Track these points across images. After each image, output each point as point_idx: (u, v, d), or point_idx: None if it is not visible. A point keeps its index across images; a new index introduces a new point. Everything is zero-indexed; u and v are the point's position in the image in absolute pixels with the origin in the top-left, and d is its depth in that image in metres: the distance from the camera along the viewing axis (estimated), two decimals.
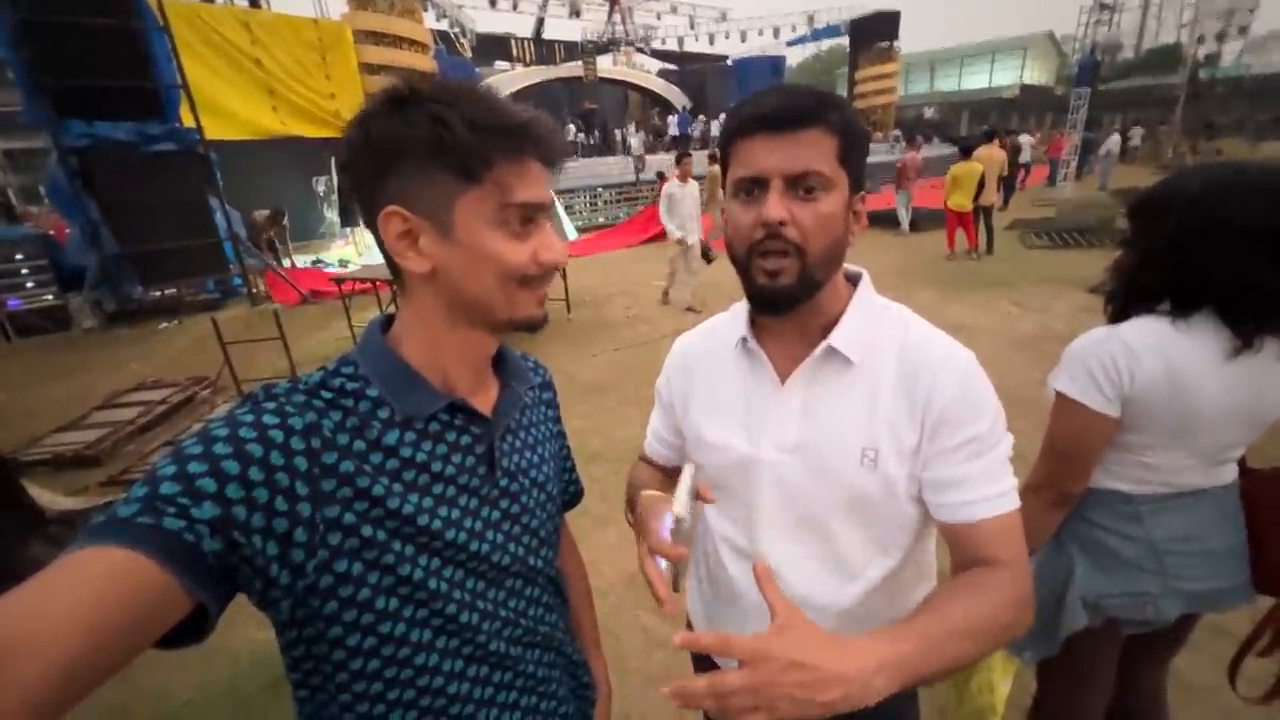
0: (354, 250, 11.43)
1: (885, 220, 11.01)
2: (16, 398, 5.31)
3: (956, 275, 7.64)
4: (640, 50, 30.59)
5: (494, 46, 25.72)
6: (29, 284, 7.33)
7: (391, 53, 12.15)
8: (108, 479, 3.69)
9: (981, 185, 8.19)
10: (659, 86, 28.54)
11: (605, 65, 27.06)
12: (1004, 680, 1.35)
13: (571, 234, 11.56)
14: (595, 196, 14.94)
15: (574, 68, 25.07)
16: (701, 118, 23.23)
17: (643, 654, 2.24)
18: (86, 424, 4.45)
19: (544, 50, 27.08)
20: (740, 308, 0.89)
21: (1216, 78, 28.49)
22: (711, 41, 32.57)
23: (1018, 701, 1.45)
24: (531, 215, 0.63)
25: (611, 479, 3.15)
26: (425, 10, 15.84)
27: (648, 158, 16.49)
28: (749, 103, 0.74)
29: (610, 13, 28.05)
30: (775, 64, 28.97)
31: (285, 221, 10.51)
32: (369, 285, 5.98)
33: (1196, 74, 23.56)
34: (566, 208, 12.97)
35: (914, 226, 10.73)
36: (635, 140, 16.70)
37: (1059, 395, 1.11)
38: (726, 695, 0.54)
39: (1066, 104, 14.99)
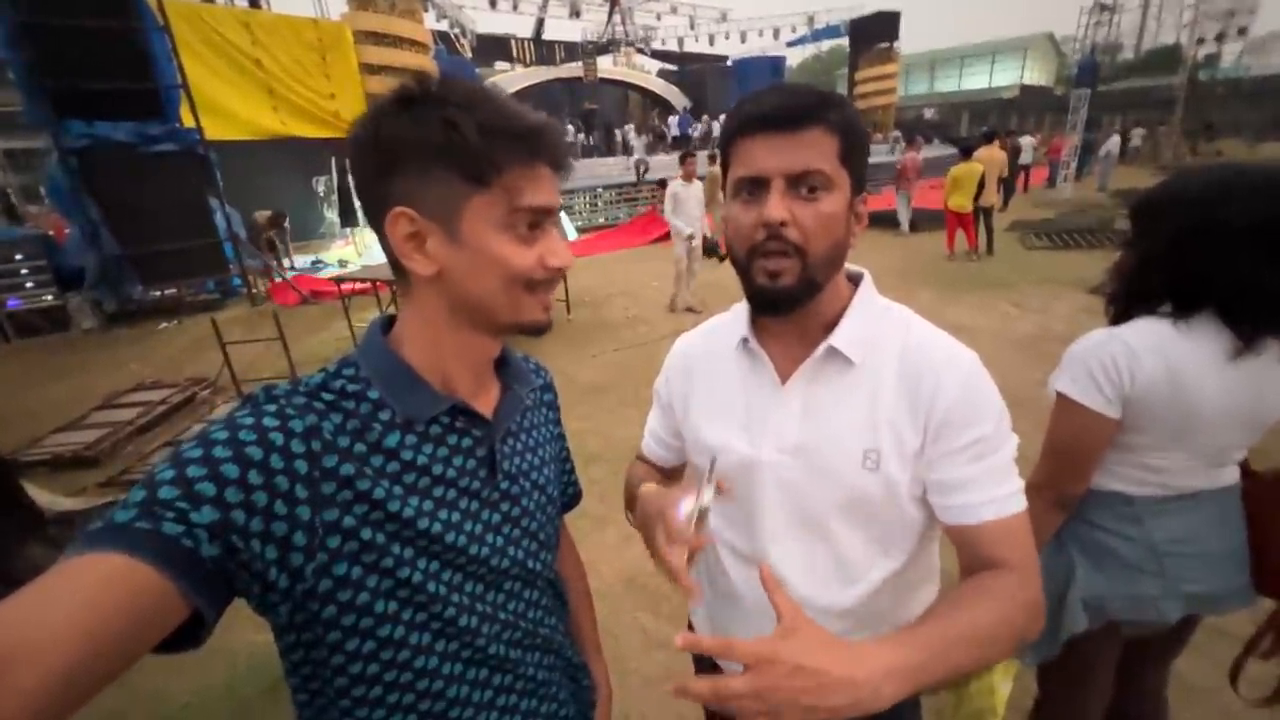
0: (354, 250, 11.43)
1: (885, 221, 11.01)
2: (16, 398, 5.31)
3: (956, 276, 7.64)
4: (640, 51, 30.61)
5: (494, 47, 25.76)
6: (28, 284, 7.33)
7: (391, 53, 12.16)
8: (107, 480, 3.69)
9: (981, 186, 8.19)
10: (659, 87, 28.57)
11: (605, 66, 27.08)
12: (1004, 682, 1.35)
13: (572, 234, 11.58)
14: (595, 197, 14.95)
15: (574, 68, 25.09)
16: (705, 117, 23.20)
17: (642, 655, 2.23)
18: (85, 424, 4.45)
19: (544, 51, 27.12)
20: (741, 308, 0.88)
21: (1216, 79, 28.53)
22: (711, 42, 32.60)
23: (1018, 703, 1.45)
24: (539, 220, 0.62)
25: (611, 480, 3.13)
26: (425, 10, 15.83)
27: (650, 159, 16.31)
28: (749, 102, 0.74)
29: (610, 13, 28.05)
30: (775, 64, 28.99)
31: (286, 223, 10.51)
32: (369, 286, 5.98)
33: (1196, 75, 23.56)
34: (566, 208, 12.98)
35: (914, 227, 10.73)
36: (638, 143, 16.51)
37: (1060, 396, 1.11)
38: (729, 699, 0.53)
39: (1066, 105, 14.99)
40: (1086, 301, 6.00)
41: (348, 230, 12.19)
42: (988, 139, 9.17)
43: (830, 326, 0.79)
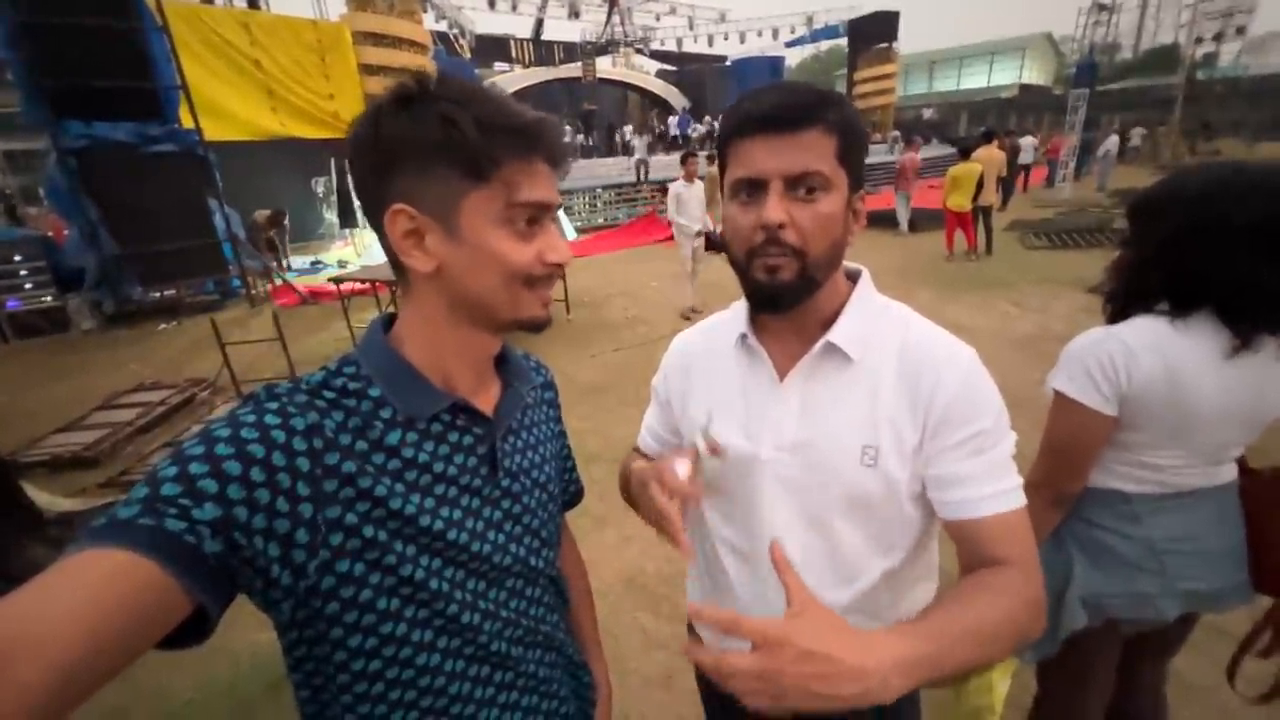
0: (353, 251, 11.43)
1: (884, 220, 11.02)
2: (15, 399, 5.31)
3: (955, 276, 7.64)
4: (639, 51, 30.64)
5: (493, 47, 25.77)
6: (28, 285, 7.33)
7: (390, 54, 12.18)
8: (106, 480, 3.69)
9: (980, 186, 8.19)
10: (658, 87, 28.60)
11: (604, 66, 27.11)
12: (1002, 680, 1.35)
13: (571, 234, 11.57)
14: (595, 197, 14.96)
15: (573, 69, 25.12)
16: (706, 118, 23.20)
17: (642, 654, 2.24)
18: (85, 425, 4.45)
19: (543, 51, 27.13)
20: (740, 305, 0.88)
21: (1214, 78, 28.55)
22: (710, 43, 32.65)
23: (1017, 701, 1.46)
24: (538, 216, 0.63)
25: (610, 480, 3.11)
26: (424, 11, 15.84)
27: (650, 159, 16.11)
28: (747, 101, 0.73)
29: (609, 14, 28.08)
30: (774, 64, 29.03)
31: (286, 222, 10.49)
32: (368, 286, 5.98)
33: (1194, 74, 23.59)
34: (565, 209, 12.98)
35: (913, 227, 10.73)
36: (639, 144, 16.22)
37: (1057, 394, 1.11)
38: (733, 676, 0.52)
39: (1065, 104, 15.02)
40: (1085, 301, 6.01)
41: (347, 231, 12.19)
42: (986, 139, 9.18)
43: (828, 324, 0.79)
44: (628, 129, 23.12)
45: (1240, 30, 20.03)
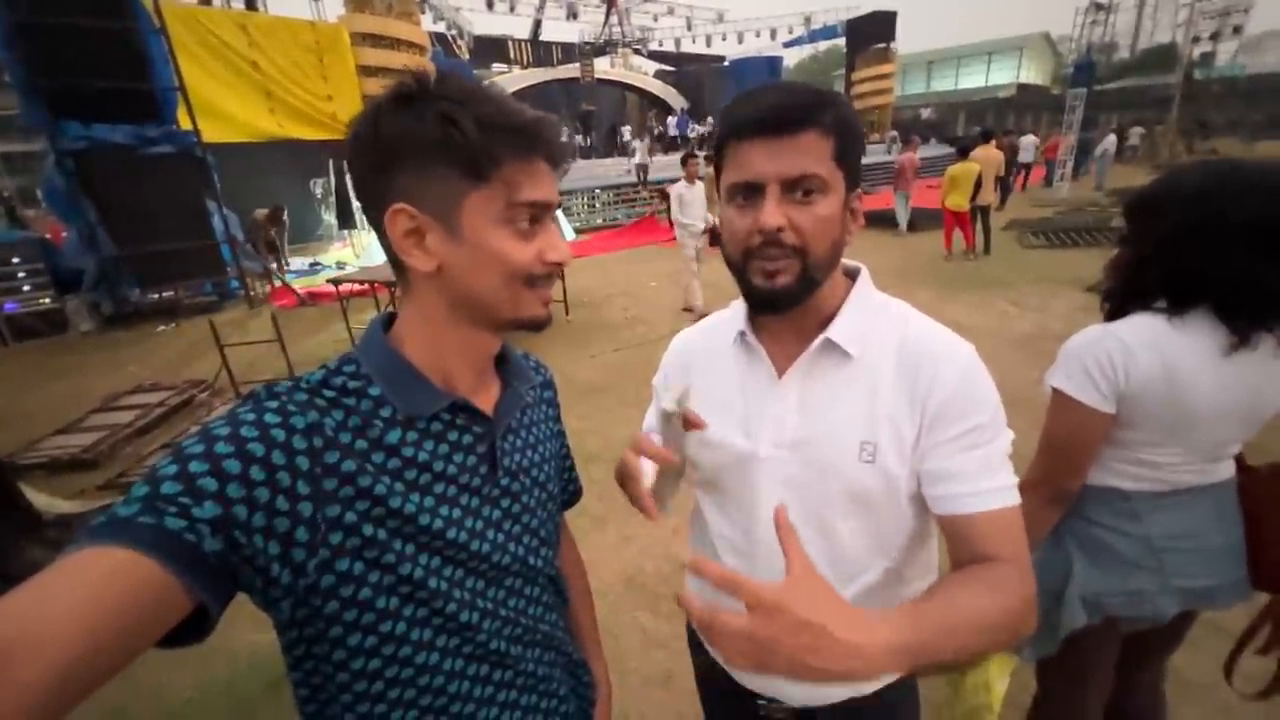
0: (352, 253, 11.42)
1: (883, 220, 11.02)
2: (13, 401, 5.30)
3: (954, 275, 7.65)
4: (637, 52, 30.66)
5: (491, 48, 25.77)
6: (26, 287, 7.32)
7: (388, 55, 12.17)
8: (105, 482, 3.69)
9: (978, 185, 8.20)
10: (656, 88, 28.61)
11: (603, 67, 27.14)
12: (1000, 679, 1.35)
13: (570, 235, 11.57)
14: (593, 198, 14.95)
15: (571, 69, 25.12)
16: (710, 120, 23.18)
17: (641, 654, 2.24)
18: (84, 427, 4.44)
19: (541, 52, 27.14)
20: (740, 304, 0.88)
21: (1211, 78, 28.59)
22: (709, 43, 32.69)
23: (1015, 699, 1.46)
24: (538, 215, 0.63)
25: (610, 480, 3.10)
26: (422, 12, 15.83)
27: (652, 160, 15.84)
28: (742, 104, 0.73)
29: (607, 14, 28.11)
30: (772, 64, 29.05)
31: (285, 217, 10.44)
32: (367, 288, 5.98)
33: (1192, 74, 23.62)
34: (564, 209, 12.98)
35: (912, 227, 10.74)
36: (639, 147, 15.92)
37: (1055, 392, 1.11)
38: (723, 636, 0.52)
39: (1063, 104, 15.04)
40: (1084, 300, 6.02)
41: (345, 232, 12.18)
42: (984, 138, 9.20)
43: (827, 321, 0.79)
44: (626, 129, 23.12)
45: (1237, 30, 20.04)
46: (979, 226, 8.56)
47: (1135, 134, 21.24)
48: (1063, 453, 1.14)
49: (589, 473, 1.09)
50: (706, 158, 9.55)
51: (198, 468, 0.50)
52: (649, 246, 11.34)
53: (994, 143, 9.24)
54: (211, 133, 8.47)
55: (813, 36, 32.38)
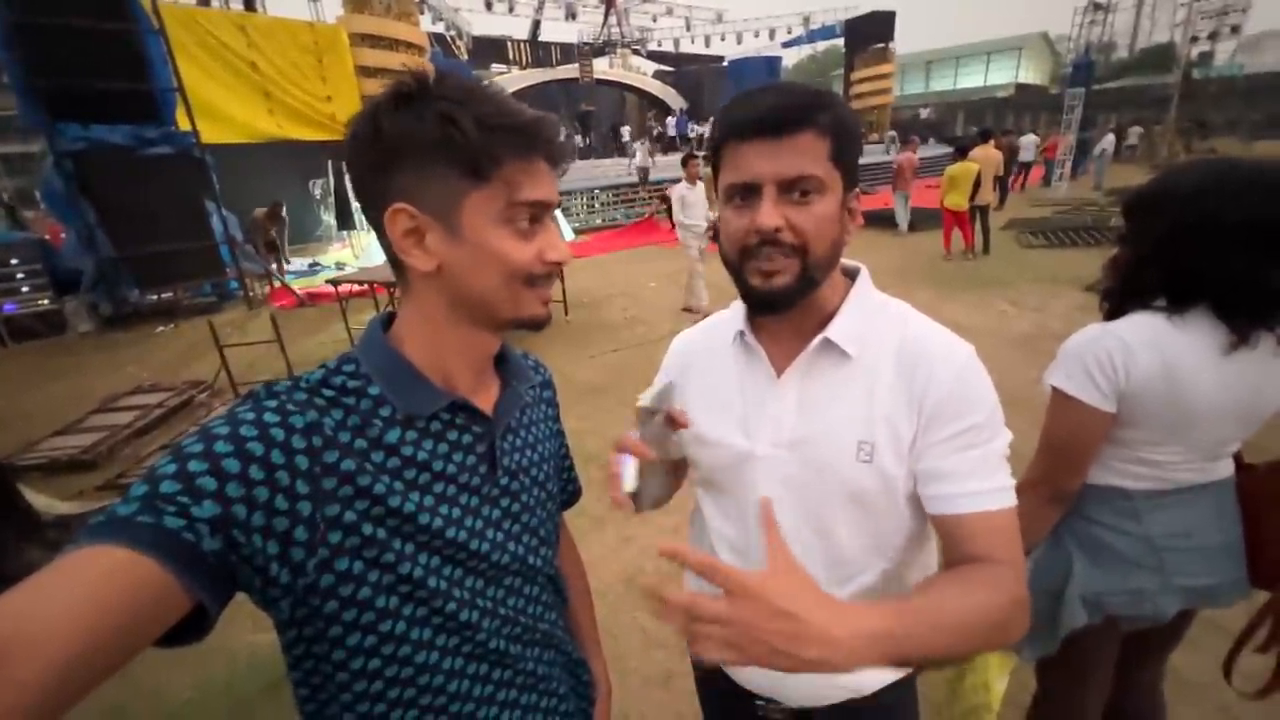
0: (351, 253, 11.42)
1: (883, 220, 11.03)
2: (12, 402, 5.29)
3: (953, 275, 7.66)
4: (636, 52, 30.66)
5: (490, 49, 25.78)
6: (24, 288, 7.31)
7: (387, 55, 12.15)
8: (104, 483, 3.68)
9: (977, 185, 8.21)
10: (655, 88, 28.63)
11: (601, 67, 27.16)
12: (999, 679, 1.35)
13: (569, 235, 11.57)
14: (592, 198, 14.95)
15: (570, 70, 25.14)
16: (712, 120, 23.17)
17: (641, 654, 2.24)
18: (83, 428, 4.44)
19: (540, 52, 27.16)
20: (740, 304, 0.88)
21: (1210, 77, 28.62)
22: (707, 43, 32.72)
23: (1014, 698, 1.46)
24: (538, 214, 0.63)
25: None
26: (421, 13, 15.82)
27: (654, 161, 15.59)
28: (739, 105, 0.73)
29: (606, 15, 28.12)
30: (771, 65, 29.05)
31: (284, 213, 10.41)
32: (366, 288, 5.97)
33: (1190, 73, 23.62)
34: (563, 210, 12.98)
35: (911, 227, 10.74)
36: (640, 149, 15.72)
37: (1055, 391, 1.11)
38: (701, 620, 0.53)
39: (1061, 104, 15.05)
40: (1083, 299, 6.02)
41: (344, 233, 12.17)
42: (983, 138, 9.21)
43: (826, 321, 0.79)
44: (626, 130, 23.12)
45: (1235, 29, 20.01)
46: (978, 226, 8.57)
47: (1134, 133, 21.27)
48: (1063, 452, 1.13)
49: (588, 473, 1.09)
50: (705, 158, 9.55)
51: (197, 467, 0.50)
52: (649, 247, 11.35)
53: (992, 142, 9.26)
54: (210, 133, 8.46)
55: (811, 37, 32.41)
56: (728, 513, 0.89)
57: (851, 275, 0.85)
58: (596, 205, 14.92)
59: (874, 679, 0.87)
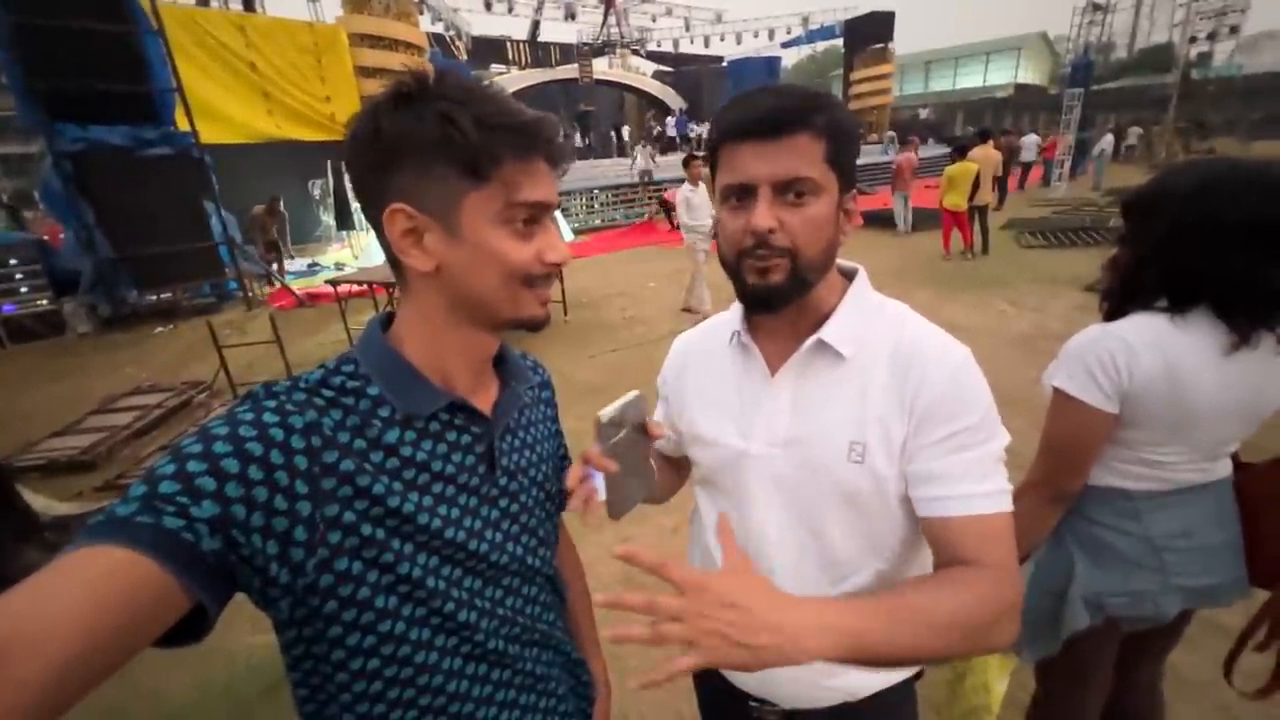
0: (350, 254, 11.41)
1: (882, 221, 11.03)
2: (11, 402, 5.29)
3: (952, 275, 7.66)
4: (635, 52, 30.65)
5: (489, 49, 25.76)
6: (23, 289, 7.31)
7: (387, 56, 12.14)
8: (103, 484, 3.68)
9: (976, 185, 8.22)
10: (654, 88, 28.63)
11: (601, 67, 27.16)
12: (1000, 681, 1.35)
13: (568, 235, 11.58)
14: (592, 199, 14.95)
15: (569, 70, 25.15)
16: (710, 121, 23.14)
17: (640, 654, 2.23)
18: (81, 428, 4.43)
19: (539, 53, 27.15)
20: (739, 305, 0.89)
21: (1209, 77, 28.67)
22: (707, 44, 32.72)
23: (1015, 699, 1.46)
24: (537, 215, 0.63)
25: None
26: (420, 13, 15.81)
27: (656, 164, 15.43)
28: (735, 106, 0.74)
29: (605, 15, 28.12)
30: (770, 65, 29.06)
31: (282, 208, 10.38)
32: (365, 289, 5.97)
33: (1189, 74, 23.66)
34: (563, 210, 12.98)
35: (913, 227, 10.73)
36: (641, 152, 15.56)
37: (1057, 392, 1.10)
38: (659, 614, 0.55)
39: (1061, 104, 15.07)
40: (1082, 299, 6.03)
41: (344, 233, 12.17)
42: (982, 138, 9.21)
43: (822, 321, 0.79)
44: (626, 132, 23.11)
45: (1234, 30, 20.03)
46: (977, 226, 8.58)
47: (1133, 134, 21.32)
48: (1064, 453, 1.13)
49: None
50: (704, 158, 9.52)
51: (196, 467, 0.50)
52: (648, 247, 11.35)
53: (991, 143, 9.26)
54: (209, 134, 8.46)
55: (811, 37, 32.42)
56: (725, 511, 0.89)
57: (849, 276, 0.85)
58: (596, 205, 14.92)
59: (867, 682, 0.87)
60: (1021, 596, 0.70)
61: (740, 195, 0.73)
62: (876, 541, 0.81)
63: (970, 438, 0.72)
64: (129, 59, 7.21)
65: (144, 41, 7.37)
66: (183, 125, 7.84)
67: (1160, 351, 1.02)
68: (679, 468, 1.09)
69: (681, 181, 6.55)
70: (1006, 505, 0.72)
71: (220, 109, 9.57)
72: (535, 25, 27.73)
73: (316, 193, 13.49)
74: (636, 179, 15.25)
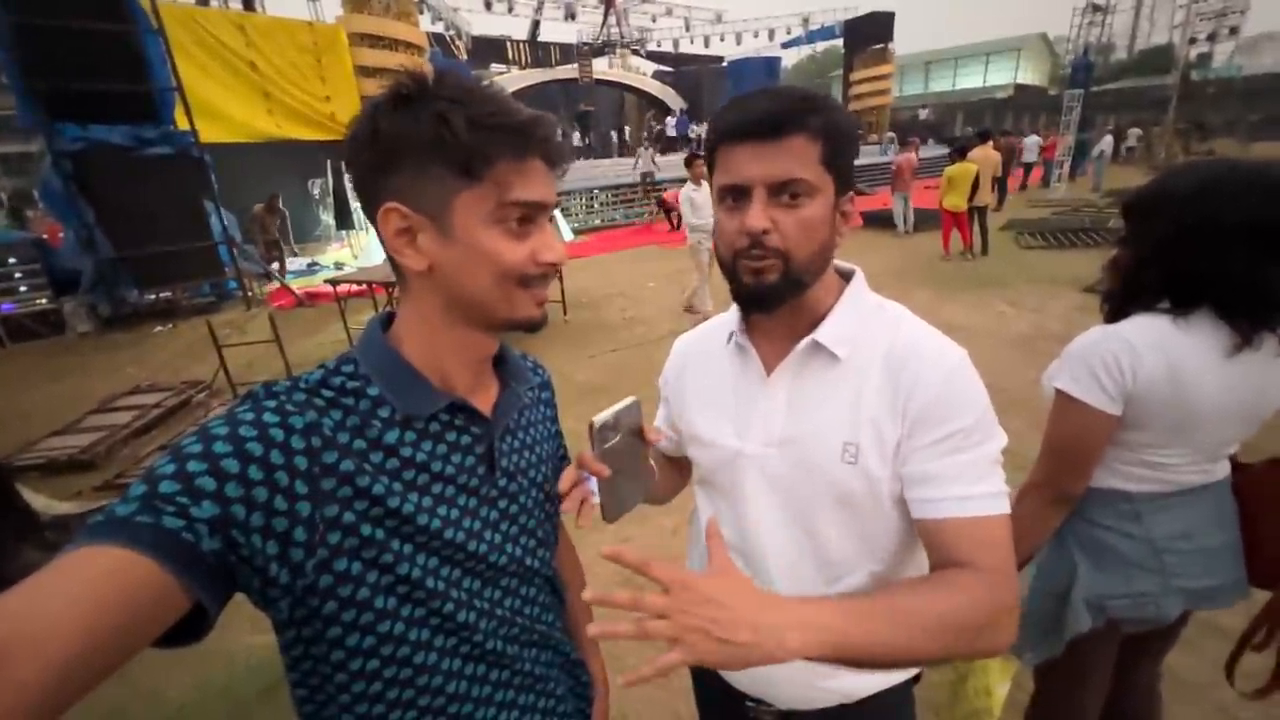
0: (350, 253, 11.40)
1: (882, 221, 11.04)
2: (11, 402, 5.29)
3: (952, 276, 7.66)
4: (635, 52, 30.65)
5: (489, 49, 25.76)
6: (23, 288, 7.31)
7: (387, 55, 12.14)
8: (103, 483, 3.68)
9: (976, 186, 8.22)
10: (654, 88, 28.63)
11: (601, 67, 27.16)
12: (1001, 683, 1.35)
13: (568, 235, 11.57)
14: (591, 199, 14.94)
15: (569, 70, 25.14)
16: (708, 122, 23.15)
17: (639, 654, 2.23)
18: (81, 428, 4.43)
19: (539, 52, 27.15)
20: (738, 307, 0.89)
21: (1208, 78, 28.70)
22: (707, 44, 32.72)
23: (1013, 699, 1.46)
24: (531, 215, 0.62)
25: None
26: (420, 13, 15.80)
27: (657, 165, 15.31)
28: (733, 108, 0.74)
29: (605, 15, 28.12)
30: (770, 65, 29.02)
31: (280, 204, 10.36)
32: (365, 288, 5.97)
33: (1188, 75, 23.68)
34: (562, 210, 12.97)
35: (914, 227, 10.73)
36: (643, 155, 15.43)
37: (1060, 394, 1.10)
38: (643, 611, 0.55)
39: (1060, 105, 15.08)
40: (1082, 300, 6.03)
41: (343, 233, 12.16)
42: (981, 139, 9.22)
43: (818, 322, 0.79)
44: (626, 132, 23.09)
45: (1233, 31, 20.03)
46: (976, 227, 8.58)
47: (1133, 135, 21.34)
48: (1067, 455, 1.13)
49: None
50: (704, 158, 9.51)
51: (196, 467, 0.50)
52: (648, 247, 11.35)
53: (991, 143, 9.26)
54: (209, 133, 8.46)
55: (811, 37, 32.43)
56: (722, 510, 0.90)
57: (847, 277, 0.85)
58: (595, 205, 14.92)
59: (864, 684, 0.87)
60: (1018, 599, 0.69)
61: (736, 196, 0.74)
62: (871, 542, 0.81)
63: (965, 440, 0.72)
64: (129, 58, 7.21)
65: (144, 41, 7.37)
66: (182, 124, 7.83)
67: (1163, 353, 1.02)
68: (681, 468, 1.09)
69: (683, 182, 6.54)
70: (1002, 508, 0.72)
71: (220, 108, 9.57)
72: (535, 25, 27.72)
73: (316, 192, 13.48)
74: (638, 179, 15.22)
